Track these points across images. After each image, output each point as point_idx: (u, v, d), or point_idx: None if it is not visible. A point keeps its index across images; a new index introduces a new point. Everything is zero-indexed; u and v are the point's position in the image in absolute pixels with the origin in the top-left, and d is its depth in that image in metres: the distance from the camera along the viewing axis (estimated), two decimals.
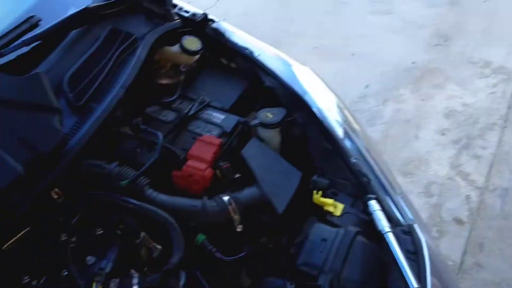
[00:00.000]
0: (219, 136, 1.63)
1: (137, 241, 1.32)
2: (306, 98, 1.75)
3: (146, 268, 1.33)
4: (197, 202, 1.43)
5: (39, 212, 1.29)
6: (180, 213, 1.39)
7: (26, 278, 1.20)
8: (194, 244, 1.39)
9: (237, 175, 1.52)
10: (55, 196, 1.33)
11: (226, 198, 1.44)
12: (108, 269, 1.19)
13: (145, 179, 1.42)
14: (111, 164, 1.43)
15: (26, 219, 1.26)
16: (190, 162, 1.52)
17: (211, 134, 1.63)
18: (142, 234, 1.34)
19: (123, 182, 1.35)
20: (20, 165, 1.18)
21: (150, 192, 1.40)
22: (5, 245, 1.22)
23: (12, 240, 1.24)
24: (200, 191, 1.51)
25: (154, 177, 1.47)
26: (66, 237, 1.28)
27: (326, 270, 1.31)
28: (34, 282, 1.19)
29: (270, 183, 1.51)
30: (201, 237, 1.40)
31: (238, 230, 1.43)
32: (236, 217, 1.43)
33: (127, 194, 1.37)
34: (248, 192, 1.49)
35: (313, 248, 1.38)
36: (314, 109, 1.72)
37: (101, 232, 1.31)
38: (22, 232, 1.27)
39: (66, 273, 1.21)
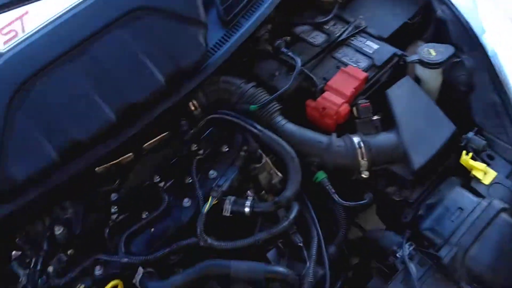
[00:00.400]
0: (366, 69, 1.47)
1: (258, 165, 1.32)
2: (483, 37, 1.44)
3: (263, 192, 1.35)
4: (323, 138, 1.35)
5: (176, 119, 1.38)
6: (304, 146, 1.34)
7: (157, 177, 1.33)
8: (313, 180, 1.35)
9: (376, 117, 1.38)
10: (192, 108, 1.39)
11: (356, 139, 1.33)
12: (224, 188, 1.23)
13: (276, 105, 1.38)
14: (248, 84, 1.42)
15: (165, 125, 1.36)
16: (326, 94, 1.42)
17: (358, 65, 1.48)
18: (265, 159, 1.34)
19: (253, 106, 1.33)
20: (162, 76, 1.24)
21: (278, 120, 1.37)
22: (146, 143, 1.35)
23: (152, 141, 1.36)
24: (331, 127, 1.42)
25: (287, 103, 1.43)
26: (196, 148, 1.36)
27: (453, 242, 1.15)
28: (161, 184, 1.31)
29: (413, 132, 1.34)
30: (321, 175, 1.34)
31: (364, 176, 1.33)
32: (363, 162, 1.31)
33: (255, 118, 1.36)
34: (384, 138, 1.35)
35: (444, 214, 1.22)
36: (489, 53, 1.41)
37: (226, 150, 1.35)
38: (161, 135, 1.38)
39: (190, 181, 1.30)
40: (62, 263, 1.16)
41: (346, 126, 1.41)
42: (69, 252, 1.22)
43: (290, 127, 1.37)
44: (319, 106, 1.42)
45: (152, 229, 1.22)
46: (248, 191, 1.31)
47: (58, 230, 1.22)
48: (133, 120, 1.23)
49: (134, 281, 1.17)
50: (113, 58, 1.19)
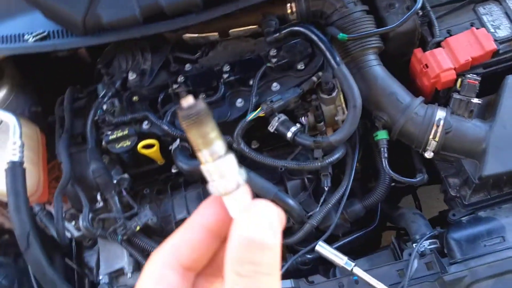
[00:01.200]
0: (502, 41, 1.20)
1: (326, 96, 1.24)
2: None
3: (321, 124, 1.30)
4: (406, 98, 1.20)
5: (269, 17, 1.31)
6: (380, 97, 1.21)
7: (227, 66, 1.31)
8: (371, 137, 1.24)
9: (476, 100, 1.16)
10: (289, 10, 1.30)
11: (440, 115, 1.16)
12: (276, 105, 1.20)
13: (374, 42, 1.23)
14: (358, 5, 1.26)
15: (256, 18, 1.32)
16: (437, 51, 1.21)
17: (494, 32, 1.21)
18: (336, 92, 1.25)
19: (342, 35, 1.19)
20: None
21: (369, 58, 1.23)
22: (234, 29, 1.34)
23: (239, 29, 1.34)
24: (426, 89, 1.25)
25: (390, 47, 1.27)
26: (274, 53, 1.29)
27: (469, 265, 1.04)
28: (226, 75, 1.31)
29: (508, 134, 1.13)
30: (382, 134, 1.23)
31: (426, 156, 1.19)
32: (433, 142, 1.16)
33: (344, 47, 1.24)
34: (471, 126, 1.16)
35: (483, 235, 1.09)
36: None
37: (301, 68, 1.27)
38: (250, 27, 1.34)
39: (251, 83, 1.28)
40: (118, 106, 1.30)
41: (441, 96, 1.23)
42: (134, 98, 1.36)
43: (378, 71, 1.23)
44: (423, 60, 1.24)
45: None
46: (303, 118, 1.26)
47: (132, 76, 1.34)
48: (220, 3, 1.20)
49: (170, 148, 1.29)
50: None
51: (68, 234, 1.39)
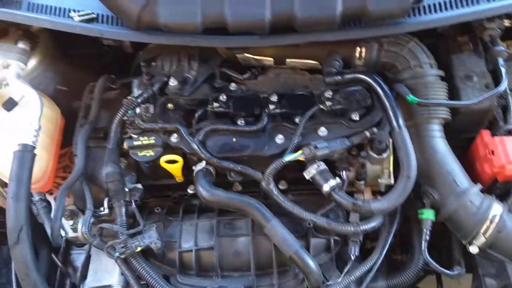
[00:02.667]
0: None
1: (377, 155, 1.13)
2: None
3: (362, 182, 1.18)
4: (464, 182, 1.09)
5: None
6: (436, 174, 1.11)
7: (275, 96, 1.18)
8: (417, 212, 1.13)
9: None
10: (357, 55, 1.18)
11: (496, 211, 1.04)
12: (319, 152, 1.07)
13: (442, 112, 1.12)
14: (433, 69, 1.15)
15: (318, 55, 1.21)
16: (508, 140, 1.10)
17: None
18: (387, 154, 1.13)
19: (412, 98, 1.08)
20: (341, 6, 1.04)
21: (432, 128, 1.13)
22: (290, 60, 1.23)
23: (296, 60, 1.23)
24: (485, 177, 1.13)
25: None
26: (330, 96, 1.18)
27: None
28: (272, 106, 1.19)
29: None
30: (428, 214, 1.11)
31: (470, 250, 1.06)
32: (482, 238, 1.04)
33: (409, 109, 1.13)
34: None
35: None
36: None
37: (355, 118, 1.15)
38: (309, 61, 1.24)
39: (298, 121, 1.17)
40: (151, 111, 1.20)
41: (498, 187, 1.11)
42: (169, 105, 1.24)
43: (439, 145, 1.12)
44: (490, 145, 1.12)
45: (234, 139, 1.17)
46: (344, 172, 1.15)
47: (173, 82, 1.24)
48: (287, 32, 1.10)
49: (194, 168, 1.18)
50: None
51: (62, 232, 1.28)
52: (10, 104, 1.19)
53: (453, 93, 1.15)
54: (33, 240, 1.09)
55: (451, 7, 1.12)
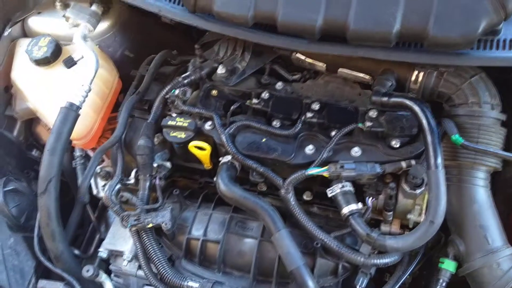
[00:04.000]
0: None
1: (410, 190, 1.05)
2: None
3: (390, 213, 1.10)
4: (499, 242, 0.98)
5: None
6: (469, 227, 1.01)
7: (317, 104, 1.14)
8: (439, 260, 1.03)
9: None
10: (413, 78, 1.09)
11: None
12: (344, 173, 1.01)
13: (490, 161, 1.01)
14: (493, 111, 1.02)
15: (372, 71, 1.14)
16: None
17: None
18: (422, 190, 1.04)
19: (458, 138, 0.97)
20: (400, 25, 0.95)
21: (477, 175, 1.02)
22: (343, 69, 1.17)
23: (350, 72, 1.17)
24: None
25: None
26: (374, 116, 1.09)
27: None
28: (310, 114, 1.13)
29: None
30: (450, 265, 1.02)
31: None
32: None
33: (452, 148, 1.02)
34: None
35: None
36: None
37: (395, 145, 1.06)
38: (362, 75, 1.16)
39: (333, 134, 1.12)
40: (187, 95, 1.21)
41: None
42: (213, 92, 1.25)
43: (480, 195, 1.02)
44: None
45: (264, 139, 1.14)
46: (370, 199, 1.08)
47: (221, 70, 1.23)
48: (337, 41, 1.04)
49: (220, 159, 1.18)
50: None
51: (94, 191, 1.35)
52: (69, 62, 1.26)
53: (510, 142, 1.02)
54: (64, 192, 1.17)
55: None
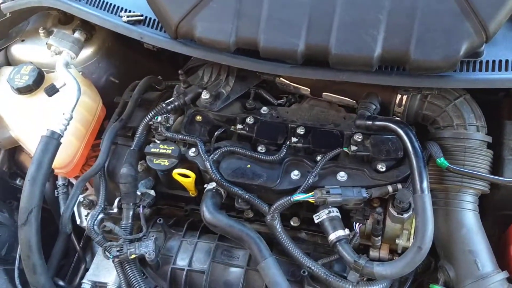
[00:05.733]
0: None
1: (397, 214, 1.03)
2: None
3: (378, 239, 1.08)
4: (485, 267, 0.95)
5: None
6: (455, 253, 0.99)
7: (302, 129, 1.12)
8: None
9: None
10: (397, 101, 1.08)
11: None
12: (330, 199, 0.99)
13: (480, 185, 1.00)
14: (479, 133, 1.02)
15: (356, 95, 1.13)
16: None
17: None
18: (409, 215, 1.02)
19: (443, 162, 0.96)
20: (381, 49, 0.94)
21: (464, 199, 1.01)
22: (327, 93, 1.16)
23: (333, 95, 1.16)
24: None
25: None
26: (359, 140, 1.08)
27: None
28: (295, 139, 1.11)
29: None
30: None
31: None
32: None
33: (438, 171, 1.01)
34: None
35: None
36: None
37: (381, 169, 1.05)
38: (346, 99, 1.16)
39: (318, 159, 1.10)
40: (170, 122, 1.19)
41: None
42: (197, 117, 1.24)
43: (469, 219, 1.00)
44: None
45: (249, 166, 1.12)
46: (357, 225, 1.06)
47: (205, 95, 1.22)
48: (319, 66, 1.03)
49: (205, 186, 1.16)
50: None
51: (78, 220, 1.32)
52: (51, 90, 1.24)
53: (497, 164, 1.01)
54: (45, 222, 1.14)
55: None
